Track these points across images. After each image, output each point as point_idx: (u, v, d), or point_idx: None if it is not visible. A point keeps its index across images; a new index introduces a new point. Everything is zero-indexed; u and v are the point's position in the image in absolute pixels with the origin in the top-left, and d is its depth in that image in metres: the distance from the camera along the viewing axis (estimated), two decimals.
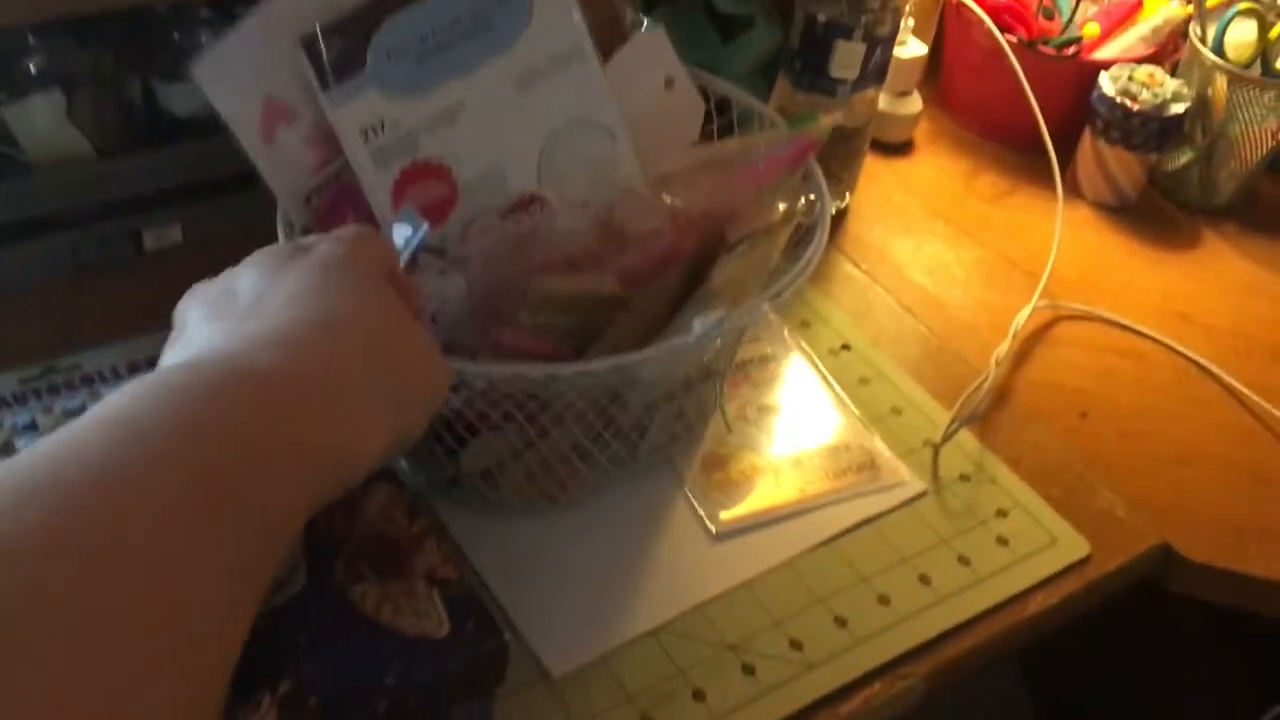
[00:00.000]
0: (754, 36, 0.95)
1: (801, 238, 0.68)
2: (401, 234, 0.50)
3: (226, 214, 0.81)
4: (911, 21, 1.02)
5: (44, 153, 0.78)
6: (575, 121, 0.64)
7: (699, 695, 0.62)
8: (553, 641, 0.63)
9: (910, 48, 1.02)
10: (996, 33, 0.98)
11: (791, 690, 0.63)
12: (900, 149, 1.06)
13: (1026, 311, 0.87)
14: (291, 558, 0.52)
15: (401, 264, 0.52)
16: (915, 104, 1.05)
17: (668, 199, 0.65)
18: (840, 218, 0.96)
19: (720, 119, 0.77)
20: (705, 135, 0.76)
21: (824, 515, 0.72)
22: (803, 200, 0.69)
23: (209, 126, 0.60)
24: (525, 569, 0.66)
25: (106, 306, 0.78)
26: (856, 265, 0.92)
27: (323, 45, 0.55)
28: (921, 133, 1.08)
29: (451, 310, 0.59)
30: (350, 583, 0.53)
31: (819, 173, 0.70)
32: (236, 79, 0.56)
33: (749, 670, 0.64)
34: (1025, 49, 1.00)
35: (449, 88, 0.60)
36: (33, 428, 0.53)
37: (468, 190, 0.62)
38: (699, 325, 0.58)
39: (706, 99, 0.75)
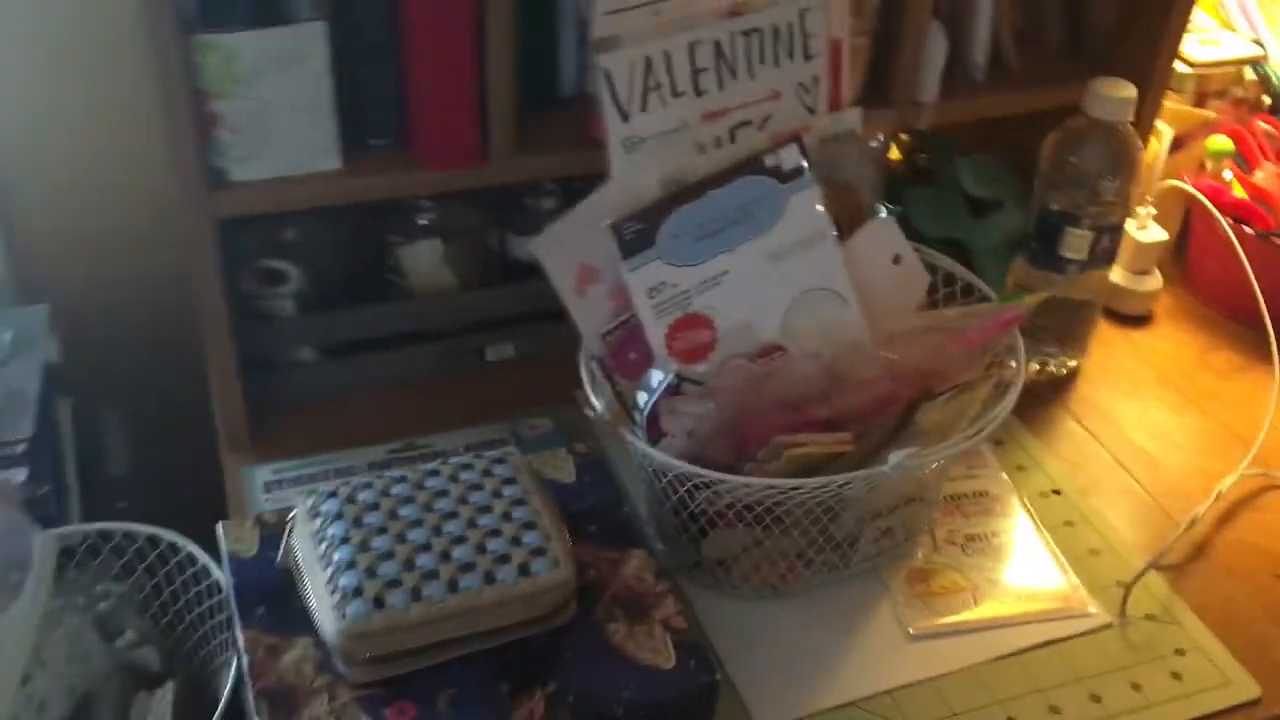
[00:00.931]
0: (1002, 218, 1.09)
1: (1005, 391, 0.82)
2: (657, 377, 0.69)
3: (549, 336, 1.03)
4: (1154, 210, 1.13)
5: (422, 284, 1.03)
6: (814, 289, 0.82)
7: None
8: (764, 699, 0.78)
9: (1151, 233, 1.13)
10: (1226, 227, 1.07)
11: None
12: (1139, 321, 1.16)
13: (1234, 476, 0.96)
14: (565, 596, 0.71)
15: (652, 401, 0.68)
16: (1154, 282, 1.15)
17: (886, 354, 0.81)
18: (1070, 379, 1.08)
19: (948, 287, 0.92)
20: (935, 299, 0.92)
21: (1012, 633, 0.84)
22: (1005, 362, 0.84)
23: (542, 272, 0.81)
24: (747, 640, 0.82)
25: (454, 401, 1.01)
26: (1079, 422, 1.03)
27: (625, 229, 0.76)
28: (1163, 307, 1.18)
29: (703, 429, 0.77)
30: (606, 620, 0.72)
31: (1020, 340, 0.84)
32: (562, 252, 0.79)
33: None
34: (1260, 240, 1.09)
35: (716, 261, 0.79)
36: (402, 480, 0.75)
37: (724, 337, 0.80)
38: (893, 459, 0.73)
39: (934, 272, 0.90)
